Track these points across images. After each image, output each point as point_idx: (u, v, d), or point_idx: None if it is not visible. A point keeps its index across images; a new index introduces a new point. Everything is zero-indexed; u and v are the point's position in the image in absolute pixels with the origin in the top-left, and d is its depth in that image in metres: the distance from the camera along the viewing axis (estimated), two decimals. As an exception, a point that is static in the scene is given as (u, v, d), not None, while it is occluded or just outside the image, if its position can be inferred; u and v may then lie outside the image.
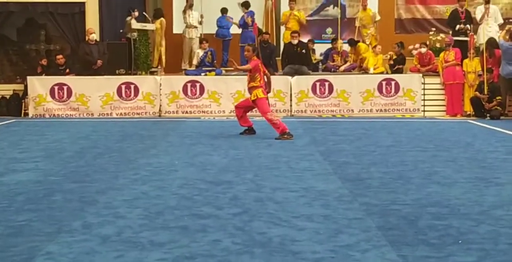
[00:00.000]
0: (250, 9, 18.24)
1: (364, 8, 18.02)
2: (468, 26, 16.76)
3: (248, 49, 11.85)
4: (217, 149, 9.91)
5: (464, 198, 6.40)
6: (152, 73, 17.14)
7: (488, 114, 14.99)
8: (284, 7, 19.23)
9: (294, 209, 5.93)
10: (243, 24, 18.14)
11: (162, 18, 17.99)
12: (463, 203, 6.18)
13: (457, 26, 16.80)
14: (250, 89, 11.64)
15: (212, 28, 18.56)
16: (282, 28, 18.79)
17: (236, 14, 18.48)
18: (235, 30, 18.57)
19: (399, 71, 16.68)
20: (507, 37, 15.34)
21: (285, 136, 11.09)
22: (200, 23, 18.23)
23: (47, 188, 6.93)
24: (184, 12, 18.18)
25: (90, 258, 4.52)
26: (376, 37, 17.95)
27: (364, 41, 17.80)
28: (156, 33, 17.95)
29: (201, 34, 18.23)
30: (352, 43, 17.74)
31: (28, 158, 9.14)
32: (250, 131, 11.81)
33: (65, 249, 4.71)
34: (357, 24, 18.35)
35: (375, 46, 17.19)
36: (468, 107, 15.66)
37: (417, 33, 20.14)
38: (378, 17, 18.10)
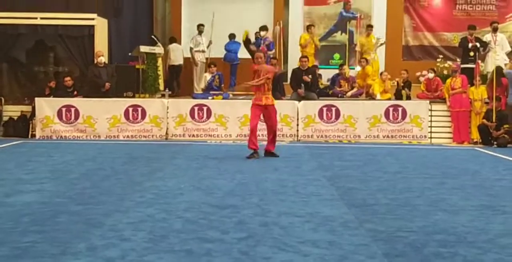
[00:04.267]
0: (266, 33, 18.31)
1: (368, 34, 18.13)
2: (478, 44, 16.85)
3: (260, 56, 12.01)
4: (223, 173, 9.91)
5: (471, 225, 6.37)
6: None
7: (495, 142, 14.95)
8: (293, 32, 19.35)
9: (299, 234, 5.90)
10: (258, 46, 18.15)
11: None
12: (470, 230, 6.15)
13: (470, 44, 16.86)
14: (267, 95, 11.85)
15: (220, 52, 18.67)
16: (291, 52, 18.90)
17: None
18: (242, 54, 18.64)
19: (400, 96, 16.68)
20: None
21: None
22: (208, 47, 18.43)
23: (53, 210, 6.92)
24: (195, 37, 18.37)
25: (94, 281, 4.51)
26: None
27: (363, 67, 17.87)
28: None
29: (207, 59, 18.37)
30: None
31: (35, 179, 9.14)
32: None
33: (70, 271, 4.70)
34: (357, 48, 18.47)
35: (381, 73, 17.25)
36: (475, 135, 15.63)
37: (425, 60, 20.25)
38: (383, 40, 18.19)
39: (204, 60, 18.26)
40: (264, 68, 11.91)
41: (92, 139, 15.58)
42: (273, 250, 5.33)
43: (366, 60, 17.56)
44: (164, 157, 12.09)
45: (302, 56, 17.08)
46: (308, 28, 18.58)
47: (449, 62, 19.36)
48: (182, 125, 15.81)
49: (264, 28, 18.19)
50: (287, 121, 15.70)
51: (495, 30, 17.22)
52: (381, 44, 18.29)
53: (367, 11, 20.37)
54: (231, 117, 15.84)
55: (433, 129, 16.03)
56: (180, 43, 19.58)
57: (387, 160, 12.00)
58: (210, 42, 18.34)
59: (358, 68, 18.90)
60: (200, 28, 18.38)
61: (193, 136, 15.79)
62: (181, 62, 18.98)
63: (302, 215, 6.75)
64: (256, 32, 18.33)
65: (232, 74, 18.61)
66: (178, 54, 18.93)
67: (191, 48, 18.63)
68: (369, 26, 18.36)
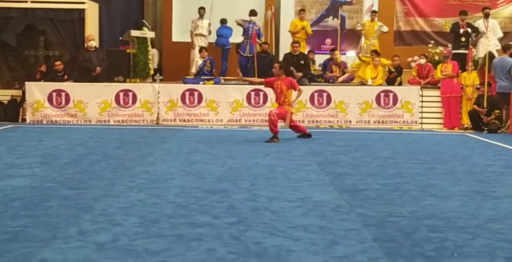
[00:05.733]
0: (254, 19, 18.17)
1: (372, 19, 18.05)
2: (469, 29, 16.84)
3: (275, 66, 12.65)
4: (214, 158, 9.90)
5: (461, 211, 6.39)
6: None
7: (486, 128, 14.99)
8: (285, 17, 19.28)
9: (290, 219, 5.91)
10: (247, 33, 18.06)
11: None
12: (460, 216, 6.17)
13: (461, 30, 16.84)
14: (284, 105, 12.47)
15: (211, 37, 18.60)
16: (283, 37, 18.84)
17: (234, 25, 18.47)
18: (234, 39, 18.58)
19: (393, 81, 16.70)
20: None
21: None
22: (209, 32, 18.27)
23: (43, 194, 6.91)
24: (195, 21, 18.17)
25: (84, 265, 4.51)
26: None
27: (358, 53, 17.82)
28: None
29: (211, 43, 18.27)
30: None
31: (25, 163, 9.12)
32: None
33: (60, 256, 4.68)
34: (357, 27, 18.40)
35: (373, 59, 17.22)
36: (465, 121, 15.68)
37: (416, 45, 20.24)
38: (386, 29, 18.13)
39: (204, 44, 18.05)
40: (283, 83, 12.45)
41: (82, 123, 15.54)
42: (264, 234, 5.34)
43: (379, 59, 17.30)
44: (155, 142, 12.08)
45: (294, 42, 17.05)
46: (299, 13, 18.49)
47: (441, 48, 19.38)
48: (173, 110, 15.79)
49: (254, 13, 18.08)
50: (278, 107, 15.67)
51: (486, 16, 17.21)
52: (383, 32, 18.19)
53: (358, -4, 20.33)
54: (222, 102, 15.83)
55: (424, 115, 16.07)
56: (171, 28, 19.54)
57: (378, 145, 12.02)
58: (209, 25, 18.21)
59: (351, 53, 18.90)
60: (200, 11, 18.15)
61: (184, 120, 15.77)
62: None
63: (293, 200, 6.75)
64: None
65: (224, 59, 18.54)
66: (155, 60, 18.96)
67: (191, 32, 18.43)
68: (373, 12, 18.26)
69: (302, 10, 18.62)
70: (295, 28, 18.06)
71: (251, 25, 18.02)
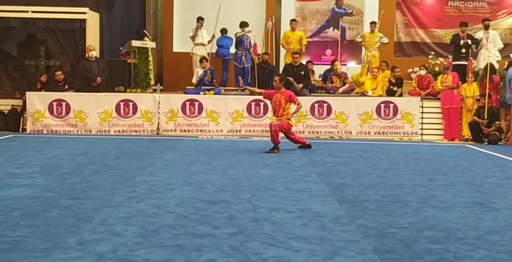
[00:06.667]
0: (251, 29, 18.17)
1: (372, 30, 18.08)
2: (469, 41, 16.88)
3: (275, 79, 12.72)
4: (215, 168, 9.91)
5: (461, 222, 6.39)
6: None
7: (486, 139, 15.00)
8: (285, 28, 19.31)
9: (290, 230, 5.91)
10: (242, 44, 18.07)
11: None
12: (460, 227, 6.17)
13: (461, 41, 16.89)
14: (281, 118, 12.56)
15: (212, 48, 18.62)
16: (282, 49, 18.85)
17: (234, 35, 18.46)
18: (234, 49, 18.58)
19: (393, 92, 16.70)
20: None
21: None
22: (209, 42, 18.25)
23: (43, 204, 6.91)
24: (193, 37, 18.11)
25: (84, 276, 4.51)
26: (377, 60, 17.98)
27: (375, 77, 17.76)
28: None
29: (208, 53, 18.26)
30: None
31: (25, 173, 9.12)
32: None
33: (60, 266, 4.69)
34: (357, 39, 18.42)
35: (372, 70, 17.22)
36: (466, 132, 15.68)
37: (416, 56, 20.26)
38: (386, 40, 18.15)
39: (203, 54, 17.99)
40: (282, 96, 12.57)
41: (83, 133, 15.55)
42: (264, 245, 5.34)
43: (378, 70, 17.32)
44: (155, 152, 12.08)
45: (294, 52, 17.06)
46: (291, 23, 18.41)
47: (441, 59, 19.41)
48: (174, 121, 15.80)
49: (246, 24, 18.08)
50: (278, 117, 15.68)
51: (486, 27, 17.25)
52: (383, 43, 18.21)
53: (359, 7, 20.34)
54: (222, 112, 15.84)
55: (424, 126, 16.07)
56: (172, 38, 19.55)
57: (378, 156, 12.02)
58: (213, 36, 18.19)
59: (351, 64, 18.92)
60: (200, 21, 18.15)
61: (185, 131, 15.77)
62: None
63: (293, 211, 6.75)
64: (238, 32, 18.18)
65: (224, 70, 18.54)
66: None
67: (190, 38, 18.34)
68: (373, 23, 18.28)
69: (294, 20, 18.55)
70: (286, 40, 18.03)
71: (245, 37, 18.04)
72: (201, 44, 18.12)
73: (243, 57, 17.91)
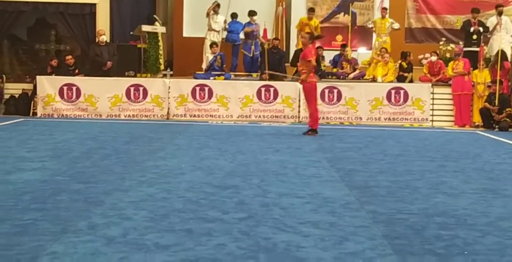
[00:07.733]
0: (257, 21, 18.08)
1: (383, 16, 17.99)
2: (480, 28, 16.78)
3: (305, 36, 13.01)
4: (224, 153, 9.91)
5: (471, 208, 6.38)
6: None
7: (497, 126, 14.94)
8: (296, 14, 19.23)
9: (300, 215, 5.91)
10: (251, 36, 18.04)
11: None
12: (470, 213, 6.16)
13: (472, 28, 16.79)
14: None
15: (223, 33, 18.56)
16: (293, 34, 18.78)
17: (244, 19, 18.39)
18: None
19: (404, 78, 16.63)
20: None
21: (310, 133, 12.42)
22: (224, 29, 18.17)
23: (54, 188, 6.93)
24: (208, 15, 18.02)
25: (94, 259, 4.51)
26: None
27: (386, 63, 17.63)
28: None
29: (222, 39, 18.20)
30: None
31: (36, 157, 9.15)
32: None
33: (70, 249, 4.70)
34: (369, 25, 18.34)
35: (382, 56, 17.12)
36: (476, 118, 15.63)
37: (427, 42, 20.14)
38: (397, 26, 18.04)
39: (216, 40, 17.91)
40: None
41: (93, 117, 15.58)
42: (273, 230, 5.34)
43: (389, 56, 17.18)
44: (165, 137, 12.09)
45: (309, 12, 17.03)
46: (308, 12, 18.36)
47: (452, 45, 19.28)
48: (184, 106, 15.80)
49: (254, 13, 18.01)
50: (288, 103, 15.70)
51: (500, 13, 17.11)
52: (394, 29, 18.11)
53: (370, -7, 20.25)
54: (232, 98, 15.82)
55: (435, 112, 16.02)
56: (182, 23, 19.49)
57: (388, 143, 12.00)
58: (225, 22, 18.12)
59: (362, 50, 18.83)
60: (216, 8, 18.01)
61: (194, 116, 15.78)
62: None
63: (303, 196, 6.75)
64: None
65: (234, 55, 18.50)
66: None
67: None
68: (384, 9, 18.19)
69: (311, 9, 18.49)
70: (302, 27, 17.95)
71: (253, 25, 17.98)
72: (214, 30, 18.05)
73: (253, 46, 17.87)
